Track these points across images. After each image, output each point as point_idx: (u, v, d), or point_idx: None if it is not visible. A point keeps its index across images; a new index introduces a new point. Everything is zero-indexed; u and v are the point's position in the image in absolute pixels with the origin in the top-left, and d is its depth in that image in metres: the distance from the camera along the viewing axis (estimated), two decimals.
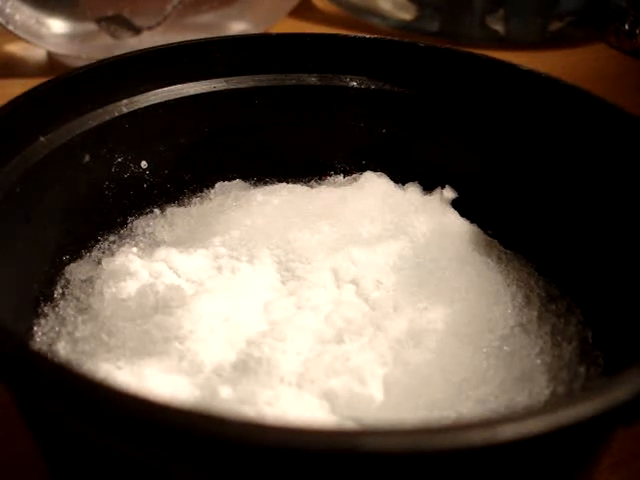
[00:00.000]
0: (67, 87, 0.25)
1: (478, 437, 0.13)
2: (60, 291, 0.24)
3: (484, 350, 0.22)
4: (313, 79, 0.30)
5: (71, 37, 0.47)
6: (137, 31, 0.47)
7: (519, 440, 0.13)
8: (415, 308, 0.23)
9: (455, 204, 0.29)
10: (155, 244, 0.27)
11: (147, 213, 0.28)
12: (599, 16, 0.59)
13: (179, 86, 0.28)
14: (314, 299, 0.23)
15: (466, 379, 0.21)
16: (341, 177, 0.31)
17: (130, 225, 0.28)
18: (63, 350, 0.22)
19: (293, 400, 0.20)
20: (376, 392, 0.20)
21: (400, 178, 0.30)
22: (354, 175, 0.30)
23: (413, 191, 0.29)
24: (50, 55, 0.50)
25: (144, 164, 0.28)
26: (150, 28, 0.47)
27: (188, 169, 0.29)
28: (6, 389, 0.17)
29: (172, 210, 0.28)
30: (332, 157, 0.31)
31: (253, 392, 0.19)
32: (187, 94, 0.28)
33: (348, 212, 0.27)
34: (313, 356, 0.21)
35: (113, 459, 0.16)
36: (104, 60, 0.26)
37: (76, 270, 0.25)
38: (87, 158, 0.26)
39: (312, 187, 0.30)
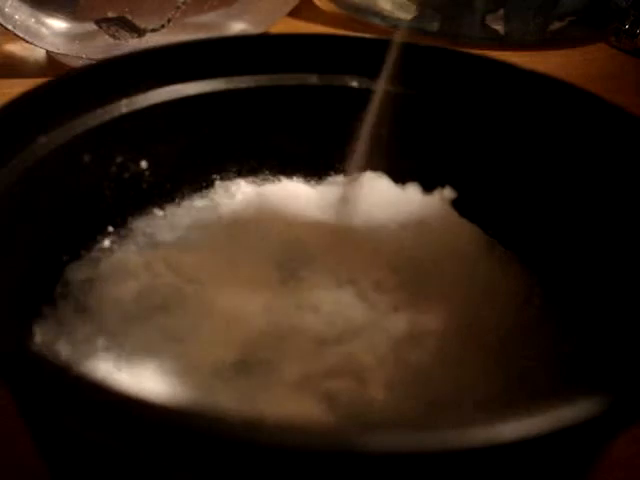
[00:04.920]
0: (67, 87, 0.25)
1: (478, 437, 0.13)
2: (60, 291, 0.24)
3: (484, 350, 0.22)
4: (313, 79, 0.30)
5: (71, 37, 0.47)
6: (139, 33, 0.46)
7: (519, 440, 0.13)
8: (415, 308, 0.23)
9: (455, 204, 0.29)
10: (155, 244, 0.27)
11: (147, 213, 0.28)
12: (599, 16, 0.59)
13: (179, 86, 0.28)
14: (314, 299, 0.23)
15: (466, 379, 0.21)
16: (341, 177, 0.30)
17: (130, 225, 0.28)
18: (63, 350, 0.22)
19: (293, 400, 0.20)
20: (376, 392, 0.20)
21: (400, 178, 0.30)
22: (354, 175, 0.30)
23: (413, 191, 0.29)
24: (50, 55, 0.50)
25: (144, 164, 0.28)
26: (153, 30, 0.46)
27: (188, 169, 0.29)
28: (6, 389, 0.17)
29: (172, 210, 0.28)
30: (332, 157, 0.31)
31: (253, 392, 0.19)
32: (187, 94, 0.28)
33: (348, 212, 0.27)
34: (313, 356, 0.21)
35: (113, 459, 0.16)
36: (104, 60, 0.26)
37: (76, 270, 0.25)
38: (87, 158, 0.26)
39: (312, 187, 0.30)
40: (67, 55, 0.48)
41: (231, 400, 0.19)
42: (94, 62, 0.26)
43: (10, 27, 0.44)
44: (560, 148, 0.26)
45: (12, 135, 0.23)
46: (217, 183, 0.29)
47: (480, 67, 0.28)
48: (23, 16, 0.45)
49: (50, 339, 0.22)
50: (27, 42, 0.46)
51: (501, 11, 0.56)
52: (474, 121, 0.28)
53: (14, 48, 0.50)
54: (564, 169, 0.26)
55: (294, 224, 0.26)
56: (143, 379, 0.20)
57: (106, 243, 0.27)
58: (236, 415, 0.13)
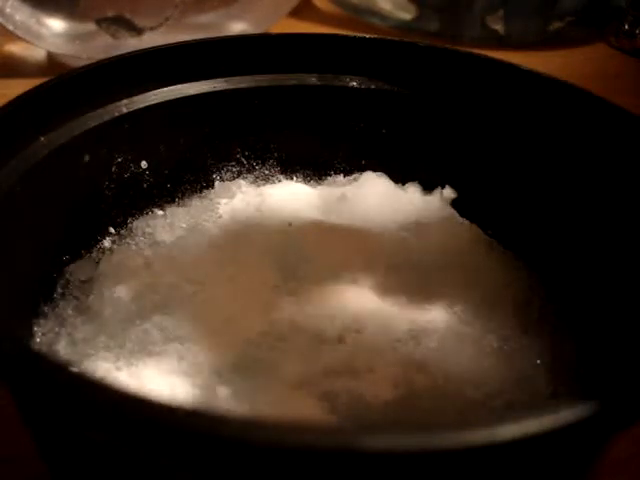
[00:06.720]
0: (67, 87, 0.25)
1: (478, 437, 0.13)
2: (60, 291, 0.24)
3: (484, 350, 0.22)
4: (313, 79, 0.30)
5: (71, 37, 0.47)
6: (138, 32, 0.46)
7: (519, 440, 0.13)
8: (415, 308, 0.23)
9: (455, 204, 0.29)
10: (155, 244, 0.27)
11: (147, 213, 0.28)
12: (599, 16, 0.59)
13: (179, 86, 0.28)
14: (314, 299, 0.23)
15: (466, 379, 0.21)
16: (341, 177, 0.31)
17: (130, 225, 0.28)
18: (63, 350, 0.22)
19: (293, 400, 0.20)
20: (376, 392, 0.20)
21: (400, 178, 0.30)
22: (354, 175, 0.30)
23: (413, 191, 0.29)
24: (50, 55, 0.50)
25: (144, 164, 0.28)
26: (152, 29, 0.46)
27: (188, 169, 0.29)
28: (6, 389, 0.17)
29: (172, 210, 0.28)
30: (332, 157, 0.31)
31: (253, 392, 0.19)
32: (187, 94, 0.28)
33: (348, 212, 0.27)
34: (313, 356, 0.21)
35: (113, 459, 0.16)
36: (104, 60, 0.26)
37: (76, 270, 0.25)
38: (87, 158, 0.26)
39: (312, 187, 0.30)
40: (67, 55, 0.48)
41: (231, 400, 0.19)
42: (94, 62, 0.26)
43: (11, 27, 0.44)
44: (560, 148, 0.26)
45: (12, 135, 0.23)
46: (217, 183, 0.29)
47: (480, 67, 0.28)
48: (23, 16, 0.45)
49: (50, 339, 0.22)
50: (27, 42, 0.46)
51: (501, 11, 0.56)
52: (474, 121, 0.28)
53: (14, 48, 0.51)
54: (564, 169, 0.26)
55: (294, 224, 0.26)
56: (143, 379, 0.20)
57: (106, 243, 0.27)
58: (236, 415, 0.13)
